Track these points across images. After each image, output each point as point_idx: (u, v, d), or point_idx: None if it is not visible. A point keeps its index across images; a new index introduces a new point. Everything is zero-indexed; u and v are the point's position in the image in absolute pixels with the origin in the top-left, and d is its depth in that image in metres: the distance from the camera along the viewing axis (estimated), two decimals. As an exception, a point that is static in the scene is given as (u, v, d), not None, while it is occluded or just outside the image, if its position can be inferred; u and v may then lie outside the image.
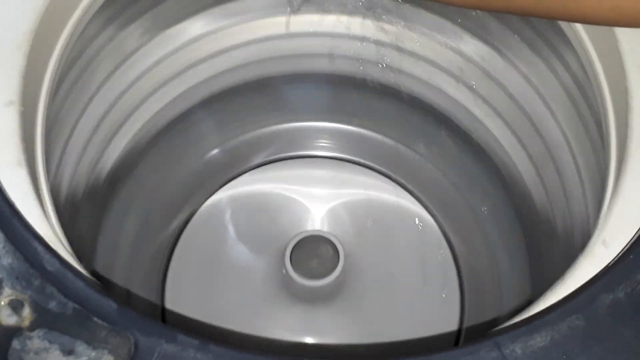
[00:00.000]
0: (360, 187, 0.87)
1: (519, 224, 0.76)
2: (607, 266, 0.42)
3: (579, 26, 0.54)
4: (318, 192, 0.86)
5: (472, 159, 0.80)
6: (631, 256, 0.42)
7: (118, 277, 0.76)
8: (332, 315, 0.80)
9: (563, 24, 0.55)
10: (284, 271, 0.76)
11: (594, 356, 0.39)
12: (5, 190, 0.42)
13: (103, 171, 0.71)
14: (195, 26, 0.71)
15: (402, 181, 0.87)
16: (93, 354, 0.38)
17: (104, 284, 0.42)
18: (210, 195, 0.86)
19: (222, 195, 0.86)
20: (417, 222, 0.85)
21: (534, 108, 0.68)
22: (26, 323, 0.38)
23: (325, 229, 0.83)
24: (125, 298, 0.75)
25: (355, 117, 0.86)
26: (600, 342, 0.39)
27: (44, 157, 0.48)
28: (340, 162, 0.89)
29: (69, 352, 0.38)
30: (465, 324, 0.80)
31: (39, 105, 0.49)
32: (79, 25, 0.54)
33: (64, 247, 0.42)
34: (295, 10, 0.67)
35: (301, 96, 0.84)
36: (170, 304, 0.80)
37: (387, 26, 0.70)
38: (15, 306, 0.38)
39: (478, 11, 0.64)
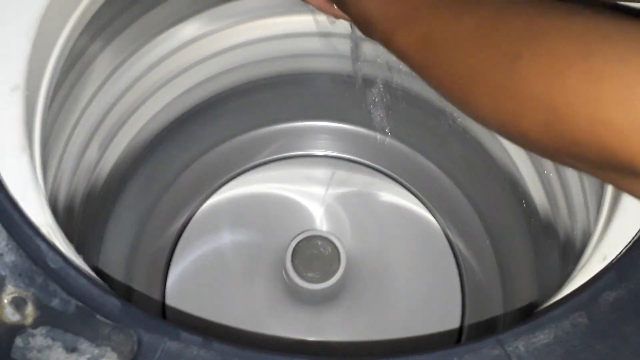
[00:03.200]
0: (360, 186, 0.87)
1: (521, 224, 0.76)
2: (610, 264, 0.42)
3: None
4: (318, 191, 0.86)
5: (475, 159, 0.80)
6: (634, 254, 0.42)
7: (119, 275, 0.76)
8: (334, 313, 0.80)
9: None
10: (284, 272, 0.76)
11: (596, 353, 0.39)
12: (7, 187, 0.42)
13: (102, 174, 0.71)
14: (194, 27, 0.71)
15: (403, 180, 0.87)
16: (96, 351, 0.37)
17: (105, 282, 0.41)
18: (210, 196, 0.86)
19: (222, 195, 0.86)
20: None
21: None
22: (29, 320, 0.38)
23: (325, 228, 0.83)
24: (127, 296, 0.75)
25: (355, 117, 0.86)
26: (603, 339, 0.39)
27: (41, 148, 0.48)
28: (340, 161, 0.89)
29: (72, 349, 0.38)
30: (467, 322, 0.80)
31: (39, 97, 0.49)
32: (80, 22, 0.54)
33: (66, 244, 0.42)
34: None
35: (300, 96, 0.84)
36: (172, 301, 0.80)
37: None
38: (18, 304, 0.38)
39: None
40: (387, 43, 0.45)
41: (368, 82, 0.77)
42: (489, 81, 0.37)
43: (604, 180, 0.37)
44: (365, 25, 0.48)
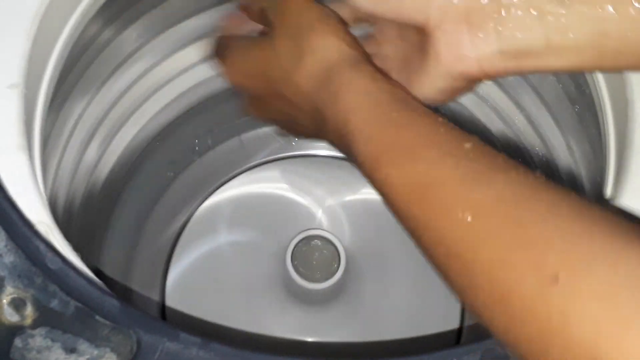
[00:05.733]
0: (360, 186, 0.87)
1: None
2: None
3: None
4: (318, 192, 0.86)
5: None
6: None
7: (119, 275, 0.76)
8: (333, 313, 0.80)
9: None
10: (284, 273, 0.76)
11: (596, 354, 0.39)
12: (6, 187, 0.42)
13: (102, 174, 0.71)
14: (195, 26, 0.71)
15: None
16: (95, 352, 0.37)
17: (105, 282, 0.41)
18: (210, 196, 0.86)
19: (221, 195, 0.86)
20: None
21: (538, 117, 0.68)
22: (28, 321, 0.38)
23: (325, 228, 0.83)
24: (126, 296, 0.75)
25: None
26: (603, 339, 0.39)
27: (41, 148, 0.48)
28: (340, 161, 0.89)
29: (71, 350, 0.38)
30: (467, 323, 0.80)
31: (39, 96, 0.49)
32: (82, 20, 0.54)
33: (66, 245, 0.42)
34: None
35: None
36: (171, 302, 0.80)
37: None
38: (17, 304, 0.38)
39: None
40: (367, 168, 0.38)
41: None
42: (506, 292, 0.29)
43: None
44: (336, 137, 0.40)
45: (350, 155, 0.39)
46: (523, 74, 0.39)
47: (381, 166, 0.36)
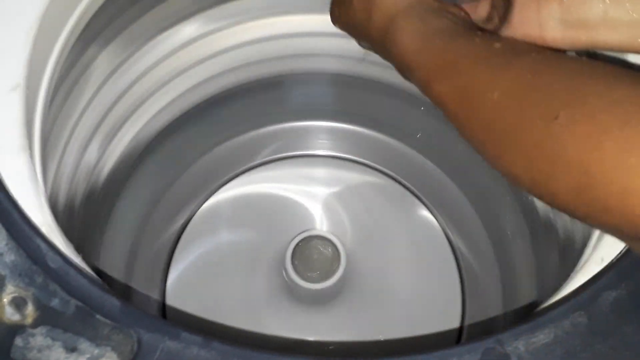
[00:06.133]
0: (360, 186, 0.87)
1: (521, 224, 0.76)
2: (609, 264, 0.42)
3: None
4: (318, 191, 0.86)
5: (473, 159, 0.79)
6: (634, 254, 0.42)
7: (119, 275, 0.76)
8: (334, 313, 0.80)
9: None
10: (284, 272, 0.76)
11: (596, 353, 0.39)
12: (7, 186, 0.42)
13: (102, 173, 0.71)
14: (194, 27, 0.71)
15: (403, 180, 0.87)
16: (96, 351, 0.38)
17: (105, 281, 0.41)
18: (210, 196, 0.86)
19: (222, 195, 0.86)
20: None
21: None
22: (29, 320, 0.38)
23: (325, 228, 0.83)
24: (127, 295, 0.75)
25: (356, 116, 0.86)
26: (603, 339, 0.39)
27: (41, 148, 0.48)
28: (340, 161, 0.89)
29: (72, 349, 0.38)
30: (467, 322, 0.80)
31: (39, 97, 0.49)
32: (81, 22, 0.54)
33: (66, 244, 0.42)
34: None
35: (300, 96, 0.84)
36: (172, 301, 0.80)
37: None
38: (18, 303, 0.38)
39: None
40: (424, 89, 0.46)
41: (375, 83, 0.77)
42: (523, 139, 0.37)
43: (632, 248, 0.38)
44: (402, 70, 0.49)
45: (413, 81, 0.47)
46: (579, 47, 0.44)
47: (433, 85, 0.44)
